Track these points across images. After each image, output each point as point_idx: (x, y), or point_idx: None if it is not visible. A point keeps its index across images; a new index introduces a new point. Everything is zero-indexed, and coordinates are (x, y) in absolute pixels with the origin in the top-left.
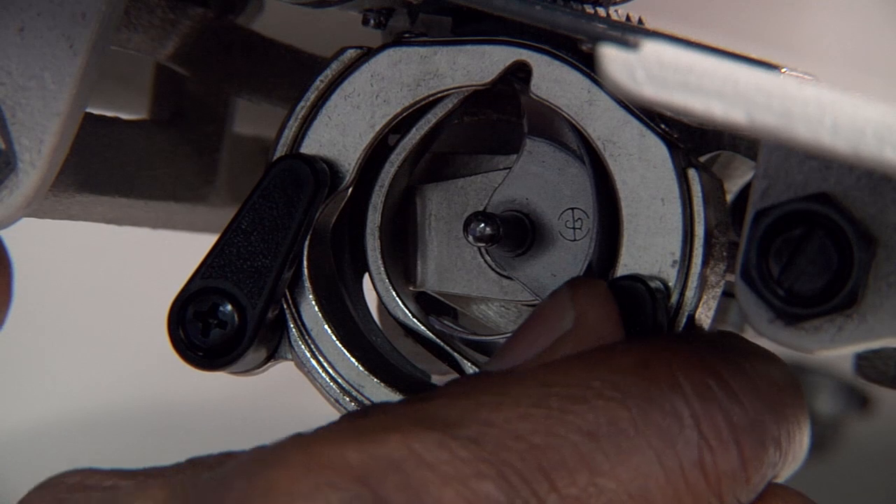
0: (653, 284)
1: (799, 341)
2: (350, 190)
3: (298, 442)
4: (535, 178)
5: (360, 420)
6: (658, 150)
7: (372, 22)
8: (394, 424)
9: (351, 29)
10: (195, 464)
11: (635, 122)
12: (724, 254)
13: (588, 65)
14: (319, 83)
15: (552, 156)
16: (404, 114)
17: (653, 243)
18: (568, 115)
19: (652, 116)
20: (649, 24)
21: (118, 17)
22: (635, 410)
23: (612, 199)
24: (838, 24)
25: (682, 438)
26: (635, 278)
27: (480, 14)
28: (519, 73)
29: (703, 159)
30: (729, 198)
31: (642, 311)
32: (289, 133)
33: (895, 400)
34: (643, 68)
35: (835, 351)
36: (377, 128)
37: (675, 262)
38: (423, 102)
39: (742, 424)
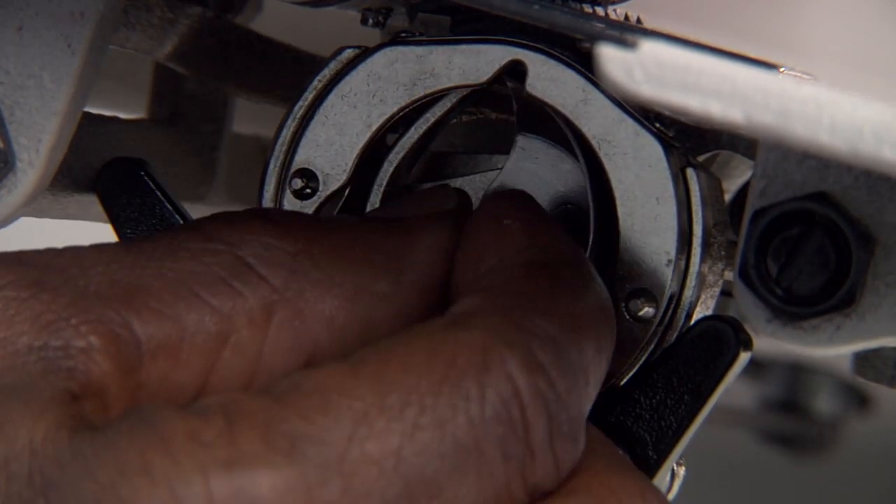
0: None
1: (797, 341)
2: (348, 189)
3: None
4: (528, 175)
5: (240, 427)
6: (653, 149)
7: (371, 21)
8: (264, 456)
9: (349, 28)
10: None
11: (630, 121)
12: (723, 253)
13: (585, 63)
14: (317, 83)
15: (545, 152)
16: (401, 113)
17: (648, 242)
18: (563, 113)
19: (647, 115)
20: (647, 24)
21: (116, 17)
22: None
23: (608, 197)
24: (837, 23)
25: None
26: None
27: (479, 13)
28: (515, 72)
29: (701, 159)
30: (727, 197)
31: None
32: (287, 133)
33: (894, 399)
34: (641, 67)
35: (833, 350)
36: (374, 127)
37: (669, 261)
38: (419, 102)
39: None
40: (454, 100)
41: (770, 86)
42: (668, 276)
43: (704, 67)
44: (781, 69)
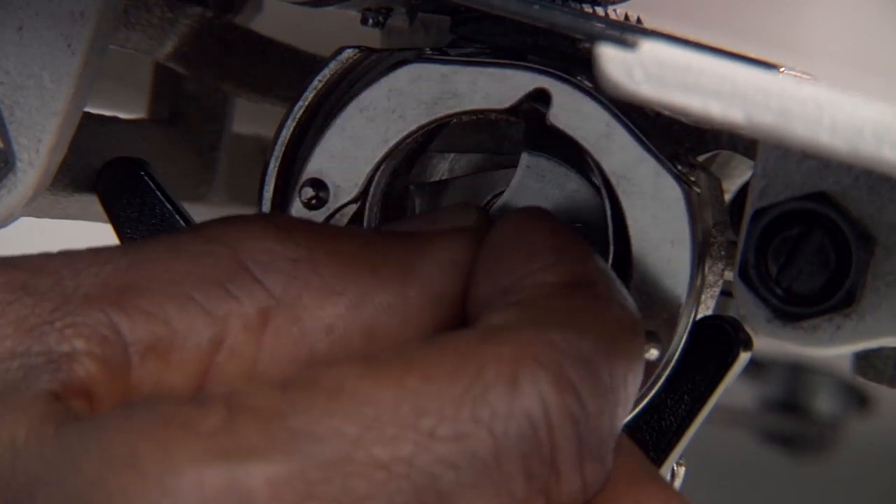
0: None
1: (797, 340)
2: (358, 204)
3: (167, 436)
4: (534, 194)
5: (238, 417)
6: (672, 192)
7: (371, 21)
8: (261, 449)
9: (349, 28)
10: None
11: (651, 161)
12: (723, 253)
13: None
14: (318, 83)
15: (551, 170)
16: (419, 132)
17: (659, 285)
18: (585, 146)
19: (672, 157)
20: (647, 24)
21: (116, 17)
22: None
23: (623, 232)
24: (837, 23)
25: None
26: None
27: (480, 14)
28: (538, 99)
29: (701, 159)
30: (727, 197)
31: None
32: (287, 133)
33: (894, 399)
34: (641, 67)
35: (833, 350)
36: (391, 143)
37: (679, 305)
38: (439, 122)
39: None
40: None
41: (770, 86)
42: (677, 319)
43: (704, 67)
44: (781, 69)
